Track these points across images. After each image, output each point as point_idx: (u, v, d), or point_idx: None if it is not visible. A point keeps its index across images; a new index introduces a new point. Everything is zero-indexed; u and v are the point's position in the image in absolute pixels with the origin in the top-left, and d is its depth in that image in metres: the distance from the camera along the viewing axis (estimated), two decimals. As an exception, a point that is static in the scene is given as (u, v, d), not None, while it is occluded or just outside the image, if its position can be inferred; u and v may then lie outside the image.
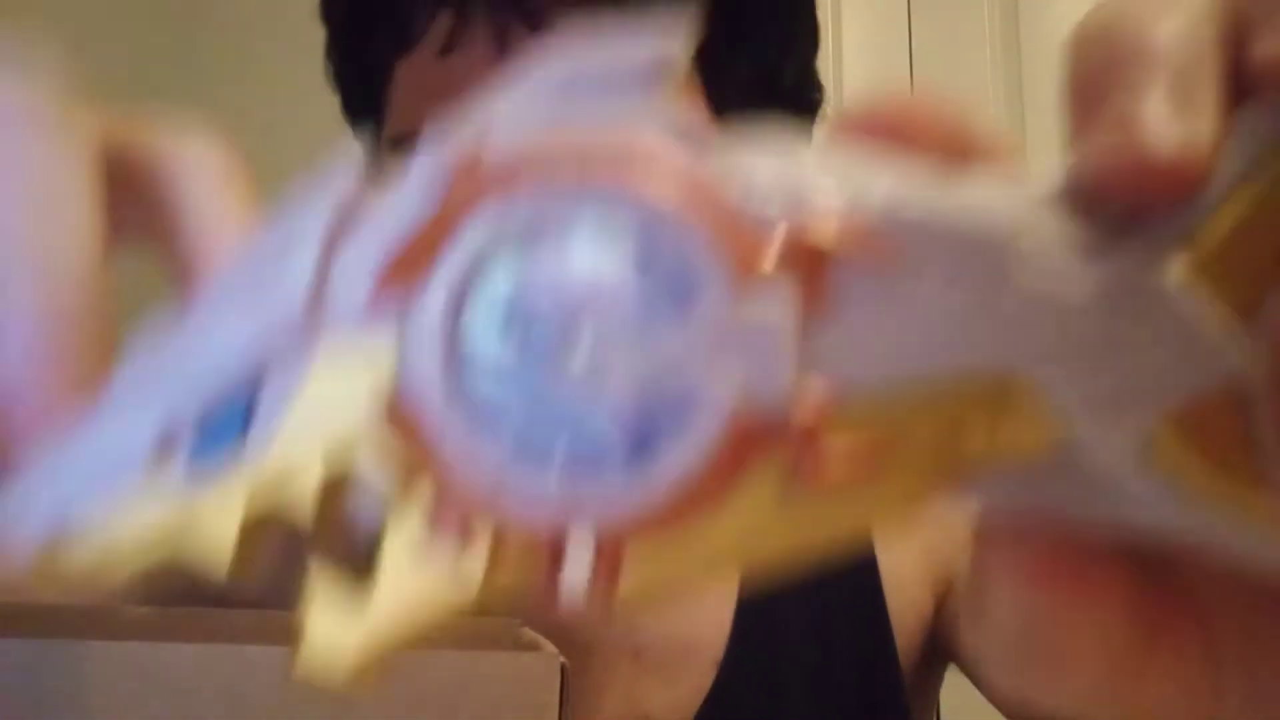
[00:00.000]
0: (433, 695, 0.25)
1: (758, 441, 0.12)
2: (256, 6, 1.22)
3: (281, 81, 1.20)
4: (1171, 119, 0.12)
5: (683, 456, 0.12)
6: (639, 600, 0.13)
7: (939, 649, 0.50)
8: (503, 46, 0.40)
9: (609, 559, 0.12)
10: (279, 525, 0.13)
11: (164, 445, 0.13)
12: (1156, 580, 0.13)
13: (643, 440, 0.12)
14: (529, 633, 0.33)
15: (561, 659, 0.26)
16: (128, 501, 0.13)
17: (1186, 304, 0.12)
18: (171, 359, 0.14)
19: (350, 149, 0.14)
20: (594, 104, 0.13)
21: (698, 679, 0.46)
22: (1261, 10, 0.12)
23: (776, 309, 0.12)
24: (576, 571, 0.12)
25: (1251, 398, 0.12)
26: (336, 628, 0.13)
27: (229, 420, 0.13)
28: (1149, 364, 0.12)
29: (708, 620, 0.47)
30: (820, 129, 0.51)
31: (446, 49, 0.41)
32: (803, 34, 0.49)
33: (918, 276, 0.12)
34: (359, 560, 0.13)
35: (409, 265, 0.13)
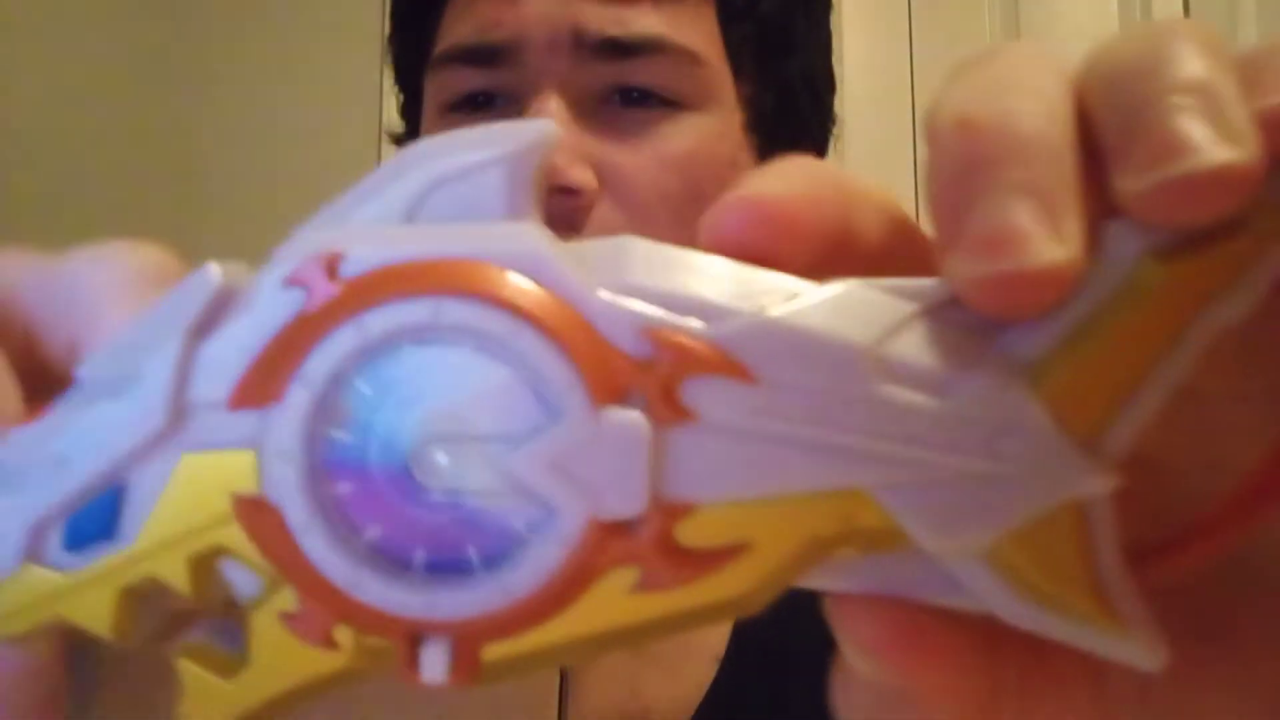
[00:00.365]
0: (433, 695, 0.25)
1: (612, 547, 0.13)
2: (259, 7, 1.22)
3: (285, 81, 1.20)
4: (1042, 231, 0.12)
5: (540, 564, 0.13)
6: (497, 680, 0.13)
7: None
8: None
9: (465, 660, 0.13)
10: (157, 596, 0.14)
11: (34, 535, 0.14)
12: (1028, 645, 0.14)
13: (502, 546, 0.13)
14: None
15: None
16: (7, 579, 0.14)
17: (1037, 427, 0.12)
18: (36, 451, 0.14)
19: (209, 268, 0.14)
20: (451, 206, 0.14)
21: (698, 673, 0.46)
22: (1106, 100, 0.13)
23: (631, 422, 0.12)
24: (433, 671, 0.13)
25: (1095, 518, 0.13)
26: (212, 691, 0.14)
27: (96, 512, 0.14)
28: (994, 487, 0.12)
29: None
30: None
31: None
32: (810, 41, 0.49)
33: (770, 397, 0.13)
34: (231, 627, 0.14)
35: (270, 369, 0.13)
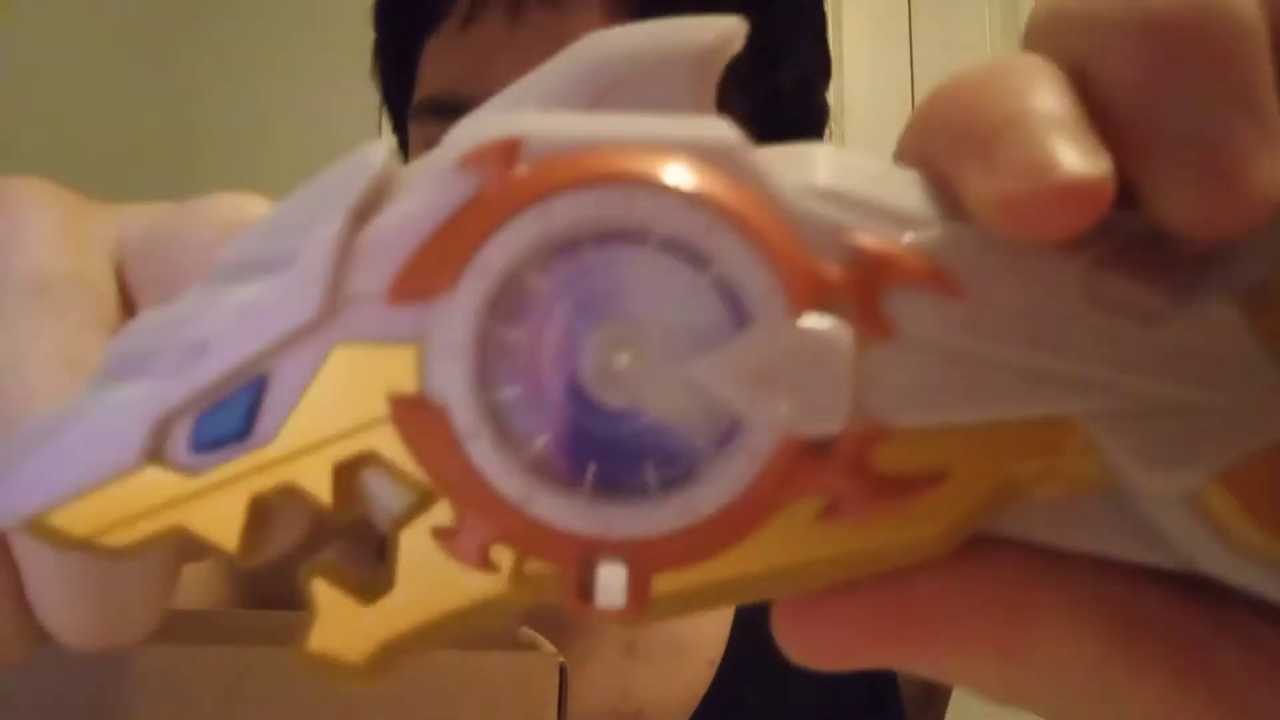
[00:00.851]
0: (433, 695, 0.25)
1: (803, 469, 0.11)
2: (262, 9, 1.22)
3: (285, 80, 1.20)
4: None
5: (727, 484, 0.12)
6: (668, 618, 0.12)
7: None
8: (516, 18, 0.41)
9: (638, 591, 0.12)
10: (293, 507, 0.13)
11: (159, 430, 0.12)
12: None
13: (682, 465, 0.12)
14: (528, 632, 0.33)
15: (560, 659, 0.26)
16: (122, 482, 0.12)
17: (1256, 359, 0.11)
18: (171, 335, 0.13)
19: (373, 147, 0.13)
20: (634, 97, 0.12)
21: (693, 678, 0.46)
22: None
23: (830, 333, 0.11)
24: (609, 596, 0.12)
25: None
26: (352, 617, 0.12)
27: (232, 408, 0.12)
28: (1207, 421, 0.12)
29: (706, 620, 0.47)
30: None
31: (467, 21, 0.43)
32: (805, 46, 0.49)
33: (978, 314, 0.12)
34: (376, 548, 0.12)
35: (439, 260, 0.12)
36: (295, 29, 1.19)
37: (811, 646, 0.12)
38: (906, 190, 0.12)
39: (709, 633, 0.47)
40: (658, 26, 0.12)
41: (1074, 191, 0.11)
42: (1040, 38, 0.12)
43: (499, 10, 0.42)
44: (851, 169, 0.12)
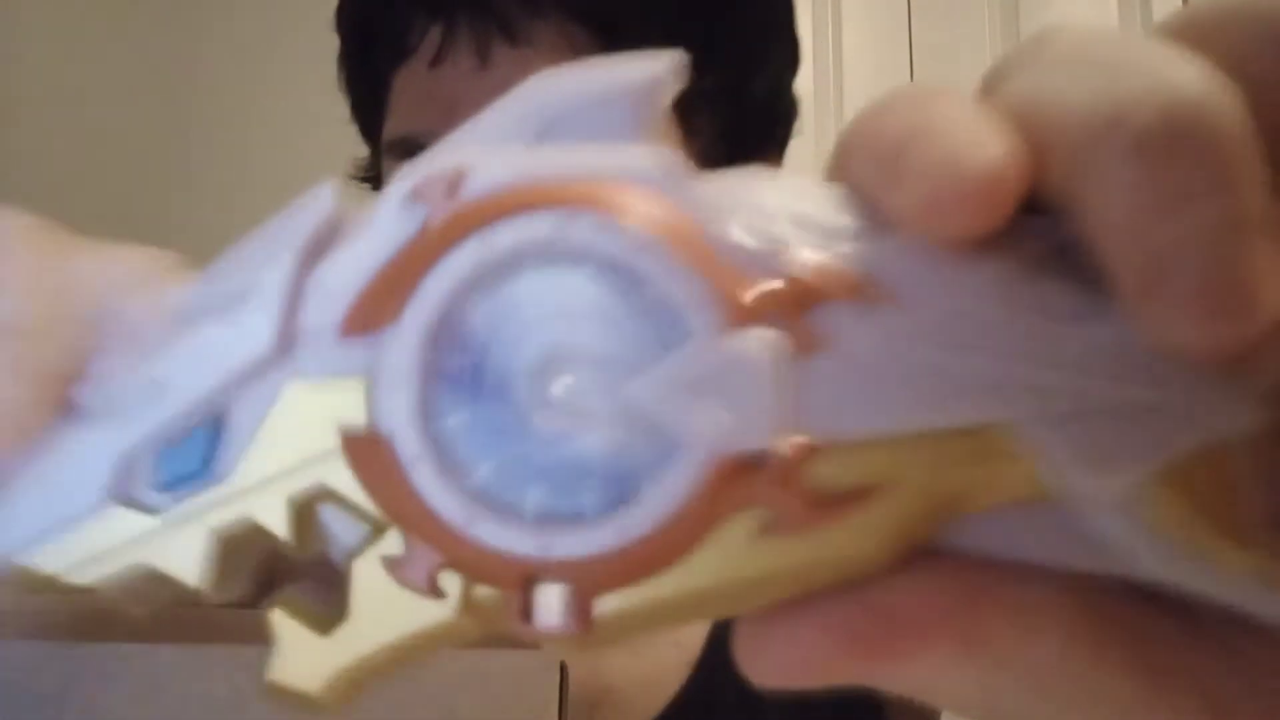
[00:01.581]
0: (433, 694, 0.25)
1: (738, 485, 0.12)
2: (257, 9, 1.22)
3: (283, 83, 1.20)
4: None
5: (662, 502, 0.12)
6: (613, 641, 0.12)
7: None
8: (484, 59, 0.42)
9: (580, 610, 0.12)
10: (252, 542, 0.13)
11: (123, 470, 0.13)
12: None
13: (620, 485, 0.12)
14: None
15: (562, 658, 0.26)
16: (88, 521, 0.13)
17: (1183, 365, 0.11)
18: (132, 379, 0.13)
19: (324, 188, 0.13)
20: (578, 132, 0.13)
21: (661, 655, 0.46)
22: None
23: (762, 348, 0.12)
24: (548, 617, 0.12)
25: (1244, 456, 0.12)
26: (309, 647, 0.12)
27: (191, 446, 0.13)
28: (1141, 420, 0.11)
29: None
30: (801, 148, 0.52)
31: (436, 60, 0.43)
32: (776, 50, 0.49)
33: (907, 324, 0.12)
34: (335, 578, 0.13)
35: (385, 293, 0.12)
36: (295, 28, 1.19)
37: (775, 667, 0.12)
38: (836, 208, 0.12)
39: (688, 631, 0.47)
40: (599, 66, 0.13)
41: (983, 181, 0.11)
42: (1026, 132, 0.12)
43: (468, 52, 0.43)
44: (784, 189, 0.13)
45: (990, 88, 0.13)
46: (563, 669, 0.26)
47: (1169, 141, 0.10)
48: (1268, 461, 0.12)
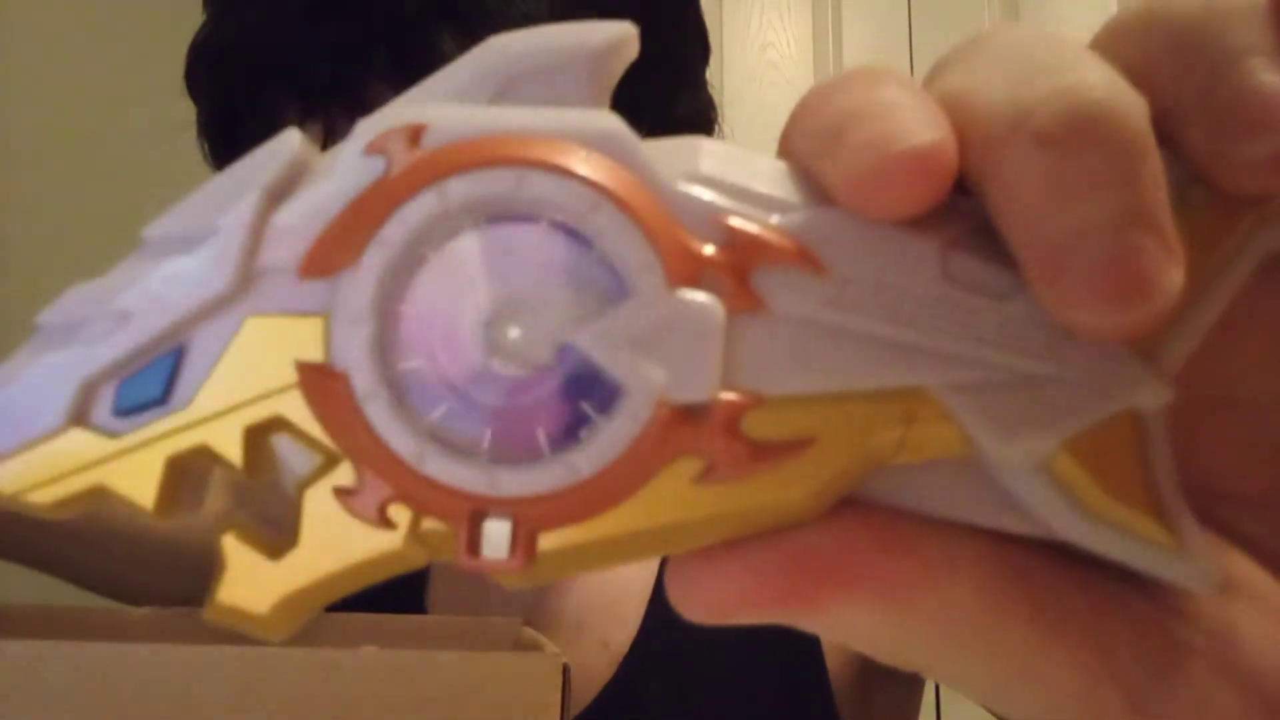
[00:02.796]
0: (434, 696, 0.25)
1: (679, 433, 0.12)
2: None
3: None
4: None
5: (606, 447, 0.12)
6: (554, 577, 0.13)
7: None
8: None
9: (525, 547, 0.12)
10: (206, 468, 0.13)
11: (83, 394, 0.13)
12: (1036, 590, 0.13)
13: (566, 431, 0.13)
14: (530, 633, 0.33)
15: (564, 660, 0.26)
16: (48, 443, 0.13)
17: (1090, 343, 0.12)
18: (96, 306, 0.14)
19: (289, 133, 0.14)
20: (534, 93, 0.13)
21: (595, 664, 0.46)
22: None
23: (706, 305, 0.12)
24: (494, 549, 0.12)
25: (1152, 432, 0.13)
26: (257, 572, 0.13)
27: (151, 375, 0.13)
28: (1055, 392, 0.12)
29: (616, 615, 0.48)
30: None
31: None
32: (681, 43, 0.50)
33: (841, 291, 0.13)
34: (284, 506, 0.13)
35: (346, 234, 0.13)
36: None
37: (702, 601, 0.13)
38: (778, 179, 0.13)
39: (637, 576, 0.47)
40: (556, 29, 0.14)
41: (914, 160, 0.12)
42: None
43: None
44: (728, 159, 0.13)
45: (927, 81, 0.13)
46: (565, 670, 0.26)
47: (1069, 135, 0.11)
48: (1169, 434, 0.13)
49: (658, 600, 0.47)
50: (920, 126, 0.12)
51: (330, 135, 0.43)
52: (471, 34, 0.41)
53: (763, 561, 0.12)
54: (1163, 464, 0.13)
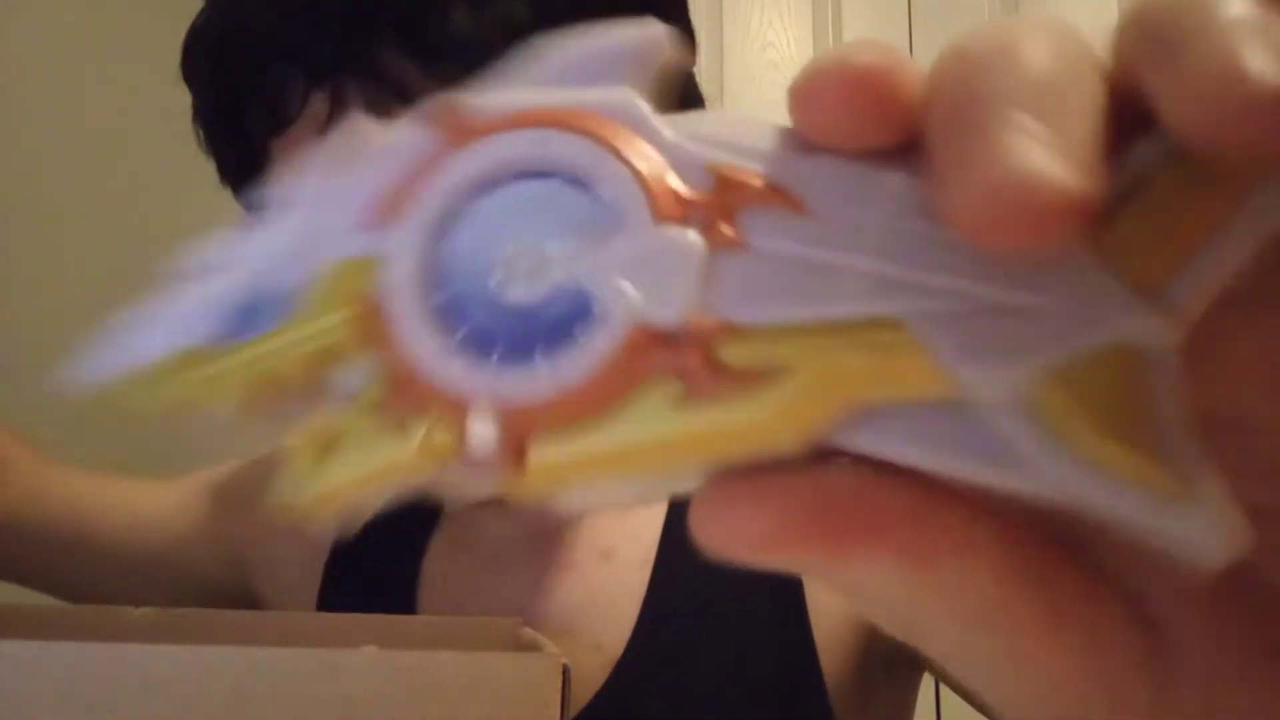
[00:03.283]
0: (435, 696, 0.25)
1: (652, 352, 0.13)
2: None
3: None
4: (1051, 154, 0.11)
5: (588, 359, 0.14)
6: (544, 487, 0.14)
7: (901, 656, 0.48)
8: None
9: (513, 443, 0.14)
10: (280, 381, 0.16)
11: (200, 316, 0.17)
12: (1083, 574, 0.13)
13: (560, 345, 0.14)
14: (530, 633, 0.33)
15: (564, 660, 0.26)
16: (185, 353, 0.16)
17: (1081, 264, 0.12)
18: (226, 253, 0.17)
19: (357, 120, 0.17)
20: (580, 83, 0.16)
21: (589, 666, 0.46)
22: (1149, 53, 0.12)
23: (686, 238, 0.14)
24: (480, 445, 0.14)
25: (1156, 372, 0.12)
26: (303, 471, 0.15)
27: (245, 309, 0.16)
28: (1035, 322, 0.12)
29: (630, 525, 0.48)
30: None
31: (325, 129, 0.42)
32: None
33: (818, 228, 0.13)
34: (339, 421, 0.16)
35: (397, 195, 0.16)
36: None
37: (730, 536, 0.13)
38: (767, 137, 0.14)
39: (632, 574, 0.47)
40: (599, 34, 0.16)
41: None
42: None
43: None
44: (724, 122, 0.15)
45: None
46: (565, 671, 0.26)
47: (978, 54, 0.12)
48: (1179, 375, 0.12)
49: (651, 603, 0.47)
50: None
51: (337, 105, 0.42)
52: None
53: (792, 500, 0.13)
54: (1170, 407, 0.12)
